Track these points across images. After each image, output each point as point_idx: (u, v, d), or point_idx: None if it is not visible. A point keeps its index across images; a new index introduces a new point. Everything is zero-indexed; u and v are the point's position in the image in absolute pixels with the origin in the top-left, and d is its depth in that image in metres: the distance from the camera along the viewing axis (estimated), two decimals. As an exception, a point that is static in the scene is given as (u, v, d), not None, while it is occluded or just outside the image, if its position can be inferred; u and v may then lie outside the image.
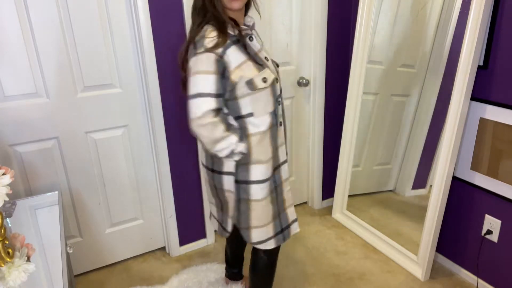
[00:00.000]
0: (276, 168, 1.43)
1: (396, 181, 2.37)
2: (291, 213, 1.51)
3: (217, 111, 1.25)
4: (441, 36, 1.93)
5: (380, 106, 2.28)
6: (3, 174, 0.97)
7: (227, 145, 1.27)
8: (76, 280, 2.00)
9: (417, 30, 2.04)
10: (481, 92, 1.70)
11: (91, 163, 1.90)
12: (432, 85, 2.01)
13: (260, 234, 1.43)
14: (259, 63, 1.30)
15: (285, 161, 1.47)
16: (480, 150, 1.75)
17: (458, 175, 1.87)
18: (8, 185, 0.97)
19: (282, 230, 1.48)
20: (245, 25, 1.36)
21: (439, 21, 1.93)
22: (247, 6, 1.38)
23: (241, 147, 1.30)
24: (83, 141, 1.85)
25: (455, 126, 1.70)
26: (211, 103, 1.22)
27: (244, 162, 1.35)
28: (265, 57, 1.36)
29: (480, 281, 1.89)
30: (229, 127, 1.29)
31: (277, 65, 1.46)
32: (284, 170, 1.47)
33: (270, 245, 1.46)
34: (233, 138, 1.28)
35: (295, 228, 1.53)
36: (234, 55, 1.24)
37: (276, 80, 1.36)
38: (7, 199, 0.96)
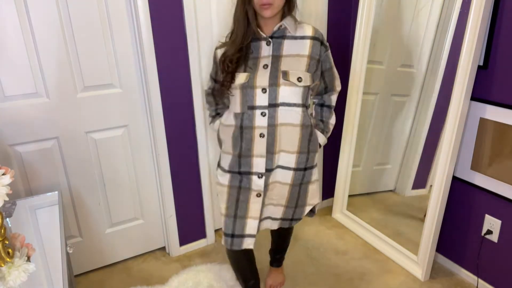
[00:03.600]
0: (241, 173, 1.47)
1: (396, 181, 2.37)
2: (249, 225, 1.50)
3: None
4: (441, 36, 1.93)
5: (380, 106, 2.28)
6: (3, 174, 0.97)
7: None
8: (76, 280, 2.00)
9: (417, 30, 2.03)
10: (481, 92, 1.70)
11: (91, 163, 1.90)
12: (432, 85, 2.01)
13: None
14: (249, 67, 1.37)
15: (257, 173, 1.44)
16: (480, 150, 1.75)
17: (458, 175, 1.87)
18: (8, 185, 0.97)
19: None
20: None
21: (439, 21, 1.93)
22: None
23: None
24: (83, 141, 1.85)
25: (455, 126, 1.70)
26: None
27: None
28: (265, 65, 1.37)
29: (480, 281, 1.89)
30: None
31: (287, 80, 1.36)
32: (254, 181, 1.45)
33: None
34: None
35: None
36: None
37: (250, 87, 1.37)
38: (7, 199, 0.95)
